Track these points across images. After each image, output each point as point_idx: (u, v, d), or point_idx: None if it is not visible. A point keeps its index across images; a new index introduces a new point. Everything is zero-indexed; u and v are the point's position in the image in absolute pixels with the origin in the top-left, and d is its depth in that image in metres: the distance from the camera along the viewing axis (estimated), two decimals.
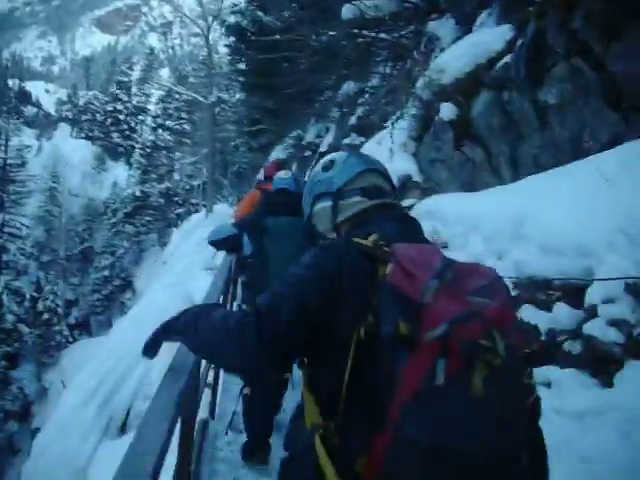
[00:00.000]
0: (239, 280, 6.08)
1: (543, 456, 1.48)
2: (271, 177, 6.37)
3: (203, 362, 3.70)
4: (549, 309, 3.65)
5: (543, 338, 3.62)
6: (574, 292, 3.51)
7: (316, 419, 1.51)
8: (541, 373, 3.48)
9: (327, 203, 1.95)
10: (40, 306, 36.16)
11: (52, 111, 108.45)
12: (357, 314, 1.42)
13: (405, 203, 7.02)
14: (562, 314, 3.53)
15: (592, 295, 3.35)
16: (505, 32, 6.04)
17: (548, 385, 3.40)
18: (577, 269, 3.44)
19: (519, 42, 5.30)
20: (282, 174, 5.03)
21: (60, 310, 37.33)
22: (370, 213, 1.83)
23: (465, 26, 7.93)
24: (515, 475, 1.33)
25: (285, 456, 1.62)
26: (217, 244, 4.68)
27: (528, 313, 3.79)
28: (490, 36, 6.32)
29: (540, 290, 3.78)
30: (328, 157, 2.09)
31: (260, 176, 7.47)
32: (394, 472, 1.30)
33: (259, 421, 4.51)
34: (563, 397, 3.24)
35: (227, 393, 6.64)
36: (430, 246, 1.57)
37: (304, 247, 1.93)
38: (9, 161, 34.32)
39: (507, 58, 5.56)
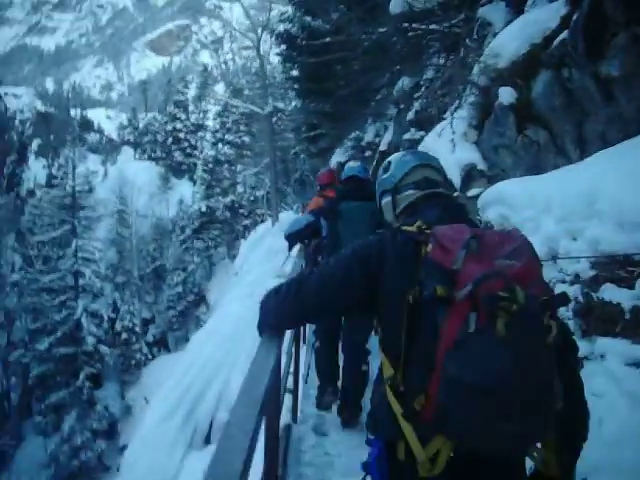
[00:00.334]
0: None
1: (579, 391, 2.05)
2: (327, 184, 7.41)
3: (282, 367, 3.71)
4: (631, 286, 3.53)
5: (627, 316, 3.50)
6: None
7: (389, 372, 1.96)
8: (628, 352, 3.37)
9: (388, 198, 2.45)
10: (118, 326, 37.06)
11: (114, 136, 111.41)
12: (405, 285, 1.87)
13: (471, 192, 6.93)
14: None
15: None
16: (559, 8, 5.88)
17: (637, 365, 3.29)
18: None
19: (575, 16, 5.14)
20: (352, 163, 5.78)
21: (138, 329, 38.19)
22: (419, 203, 2.27)
23: (516, 8, 7.77)
24: (546, 409, 1.69)
25: (370, 409, 2.11)
26: (295, 235, 5.15)
27: (610, 292, 3.68)
28: (544, 14, 6.16)
29: (620, 267, 3.66)
30: (387, 159, 2.57)
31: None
32: (444, 406, 1.68)
33: (325, 367, 5.40)
34: None
35: (307, 398, 6.66)
36: (464, 225, 1.92)
37: (373, 228, 2.56)
38: (77, 188, 35.20)
39: (564, 34, 5.40)
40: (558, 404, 1.74)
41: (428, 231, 1.92)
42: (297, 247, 6.91)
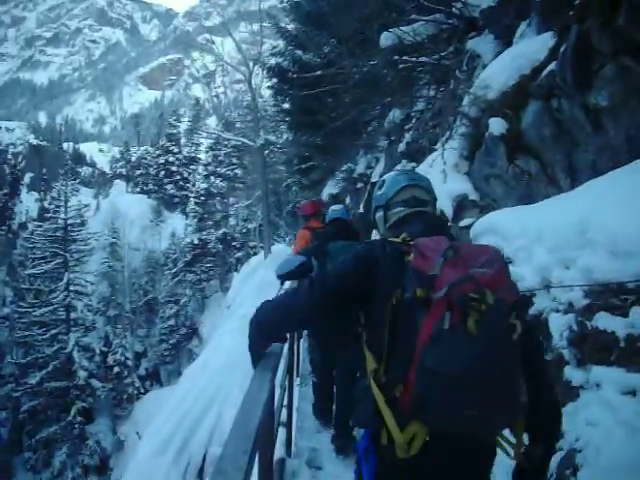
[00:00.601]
0: None
1: (547, 390, 2.28)
2: (312, 214, 8.58)
3: (276, 400, 3.68)
4: (625, 314, 3.52)
5: (622, 345, 3.50)
6: None
7: (372, 366, 2.17)
8: (624, 381, 3.35)
9: (380, 213, 2.75)
10: (110, 360, 36.83)
11: (107, 169, 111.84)
12: (390, 288, 2.12)
13: (463, 223, 6.94)
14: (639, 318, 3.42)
15: None
16: (547, 40, 5.96)
17: (633, 393, 3.28)
18: None
19: (562, 48, 5.20)
20: (335, 207, 6.48)
21: (130, 362, 37.94)
22: (406, 219, 2.57)
23: (505, 39, 7.86)
24: (509, 398, 1.97)
25: (355, 405, 2.29)
26: (287, 275, 4.96)
27: (604, 321, 3.67)
28: (532, 46, 6.24)
29: (614, 296, 3.66)
30: (382, 177, 2.89)
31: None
32: (420, 394, 1.93)
33: (320, 363, 5.60)
34: None
35: (302, 431, 6.60)
36: (444, 237, 2.19)
37: None
38: (70, 221, 35.20)
39: (552, 66, 5.46)
40: (522, 397, 2.08)
41: (411, 242, 2.21)
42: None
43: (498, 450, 2.20)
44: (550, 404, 2.33)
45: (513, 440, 2.16)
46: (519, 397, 2.05)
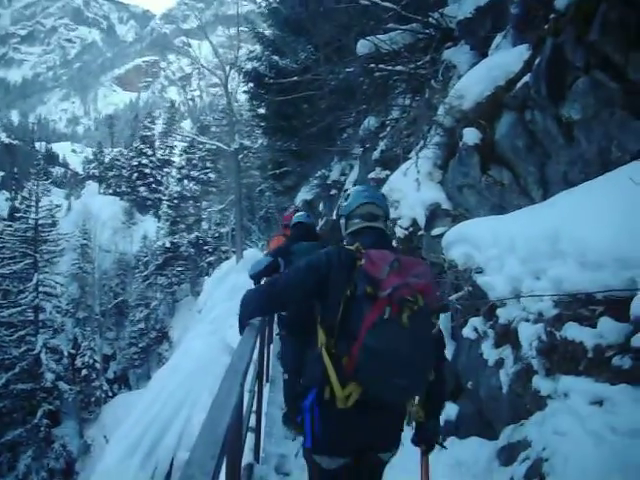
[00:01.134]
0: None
1: (442, 370, 3.15)
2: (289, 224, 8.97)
3: (245, 405, 3.66)
4: (593, 325, 3.56)
5: (590, 355, 3.53)
6: (618, 305, 3.43)
7: (323, 340, 2.92)
8: (592, 391, 3.38)
9: (343, 221, 3.41)
10: (78, 363, 36.42)
11: (79, 170, 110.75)
12: (344, 285, 2.85)
13: (435, 231, 6.97)
14: (608, 329, 3.44)
15: (637, 307, 3.26)
16: (522, 52, 6.02)
17: (600, 403, 3.31)
18: (619, 281, 3.35)
19: (537, 60, 5.26)
20: (299, 213, 7.45)
21: (98, 365, 37.55)
22: (360, 231, 3.23)
23: (481, 51, 7.93)
24: (424, 374, 2.82)
25: (304, 370, 3.16)
26: (259, 274, 6.07)
27: (572, 331, 3.71)
28: (507, 57, 6.30)
29: (582, 306, 3.70)
30: (349, 191, 3.54)
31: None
32: (361, 364, 2.67)
33: (291, 357, 5.79)
34: (617, 414, 3.15)
35: (270, 437, 6.58)
36: (387, 251, 2.95)
37: None
38: (40, 222, 34.82)
39: (526, 78, 5.52)
40: (431, 375, 2.91)
41: (363, 251, 2.91)
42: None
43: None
44: (443, 382, 3.26)
45: (418, 406, 3.14)
46: (429, 376, 2.90)
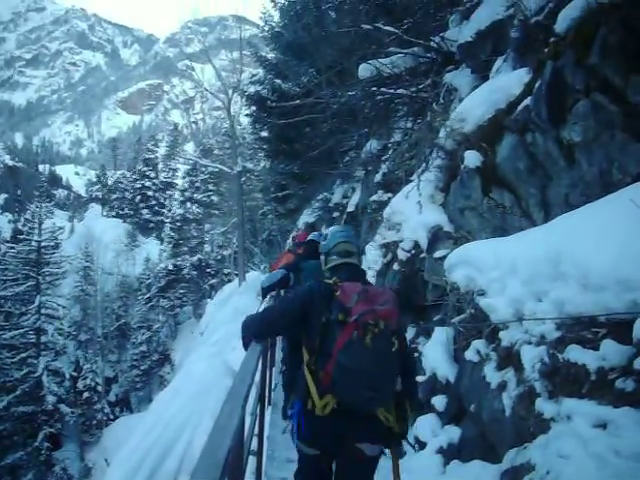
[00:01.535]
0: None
1: (412, 381, 3.78)
2: (302, 242, 10.09)
3: (246, 428, 3.64)
4: (596, 347, 3.55)
5: (593, 377, 3.51)
6: (621, 328, 3.42)
7: (306, 358, 3.47)
8: (595, 413, 3.36)
9: (323, 257, 4.05)
10: (80, 385, 36.29)
11: (82, 192, 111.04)
12: (322, 313, 3.38)
13: (437, 254, 6.97)
14: (610, 351, 3.42)
15: None
16: (522, 75, 6.05)
17: (604, 426, 3.28)
18: (622, 303, 3.34)
19: (537, 84, 5.29)
20: (314, 233, 8.43)
21: (100, 388, 37.43)
22: (338, 267, 3.85)
23: (481, 74, 7.97)
24: (388, 387, 3.37)
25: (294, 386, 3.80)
26: (273, 285, 7.07)
27: (575, 353, 3.69)
28: (508, 81, 6.32)
29: (585, 329, 3.68)
30: (325, 232, 4.51)
31: (290, 241, 11.05)
32: (334, 378, 3.21)
33: (289, 353, 5.99)
34: (620, 437, 3.12)
35: (272, 460, 6.54)
36: (359, 283, 3.55)
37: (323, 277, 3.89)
38: (43, 244, 34.88)
39: (527, 101, 5.54)
40: (398, 386, 3.55)
41: (339, 284, 3.52)
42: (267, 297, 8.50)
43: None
44: (413, 393, 3.89)
45: (389, 415, 3.50)
46: (394, 387, 3.50)
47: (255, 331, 3.88)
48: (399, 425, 3.63)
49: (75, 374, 37.49)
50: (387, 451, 3.75)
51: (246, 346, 3.91)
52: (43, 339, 32.08)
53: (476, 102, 6.75)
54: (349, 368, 3.25)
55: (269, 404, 8.10)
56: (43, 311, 32.74)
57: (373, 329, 3.26)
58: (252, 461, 5.38)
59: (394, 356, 3.39)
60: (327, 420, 3.38)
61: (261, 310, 4.45)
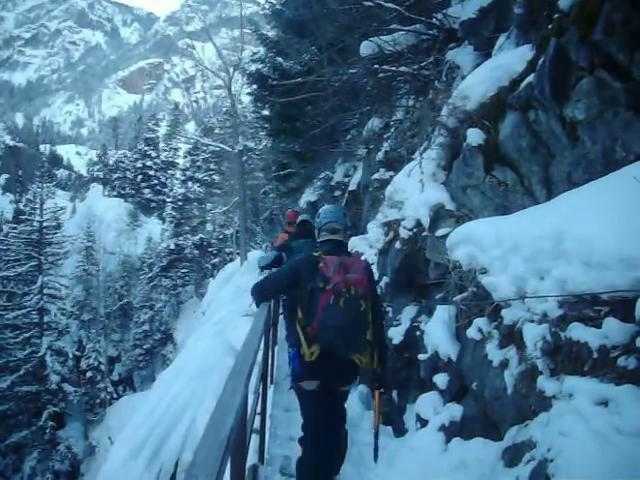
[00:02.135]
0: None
1: (381, 334, 4.90)
2: (292, 221, 11.42)
3: (249, 407, 3.65)
4: (598, 325, 3.54)
5: (595, 355, 3.51)
6: (623, 305, 3.41)
7: (299, 316, 4.55)
8: (597, 391, 3.36)
9: (316, 232, 5.19)
10: (83, 365, 36.47)
11: (84, 172, 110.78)
12: (309, 281, 4.51)
13: (439, 232, 6.96)
14: (613, 329, 3.41)
15: None
16: (525, 52, 5.98)
17: (605, 404, 3.29)
18: (624, 281, 3.32)
19: (540, 61, 5.23)
20: (304, 214, 9.74)
21: (103, 367, 37.61)
22: (325, 241, 4.95)
23: (484, 51, 7.90)
24: (360, 337, 4.56)
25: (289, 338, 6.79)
26: (266, 266, 7.90)
27: (577, 332, 3.69)
28: (510, 58, 6.27)
29: (587, 307, 3.67)
30: (319, 211, 5.31)
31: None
32: (318, 332, 4.40)
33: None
34: (622, 415, 3.13)
35: (275, 438, 6.57)
36: (338, 256, 4.62)
37: None
38: (45, 224, 34.89)
39: (530, 78, 5.48)
40: (369, 337, 4.60)
41: (323, 256, 4.59)
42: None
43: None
44: (383, 343, 4.97)
45: (362, 358, 4.62)
46: (365, 337, 4.60)
47: (261, 293, 5.24)
48: (377, 370, 4.84)
49: (78, 353, 37.68)
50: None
51: (257, 305, 5.40)
52: (46, 319, 32.20)
53: (478, 79, 6.69)
54: (328, 325, 4.39)
55: (271, 383, 8.13)
56: (45, 291, 32.83)
57: (345, 295, 4.39)
58: (255, 439, 5.42)
59: (362, 315, 4.52)
60: (315, 363, 4.49)
61: (263, 278, 5.74)
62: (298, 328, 4.57)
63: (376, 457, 4.89)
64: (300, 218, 9.17)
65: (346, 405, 5.15)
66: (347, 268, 4.53)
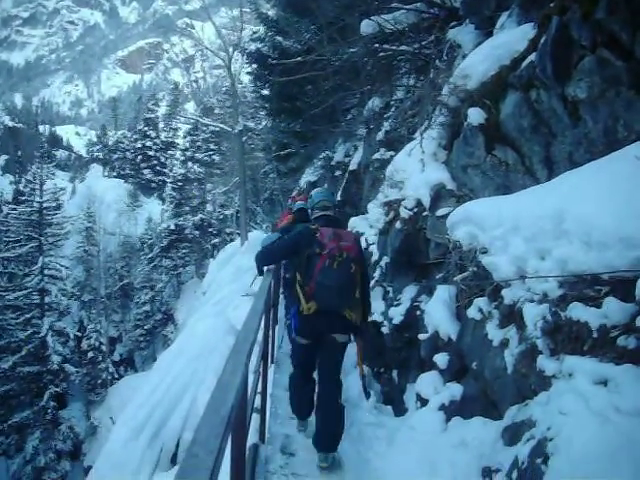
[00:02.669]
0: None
1: (366, 293, 5.91)
2: (293, 201, 13.07)
3: (250, 386, 3.66)
4: (598, 305, 3.54)
5: (595, 335, 3.52)
6: (623, 285, 3.41)
7: (298, 278, 5.54)
8: (596, 371, 3.37)
9: (309, 210, 6.63)
10: (84, 345, 36.58)
11: (83, 153, 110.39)
12: (307, 248, 5.49)
13: (440, 212, 6.95)
14: (613, 309, 3.42)
15: None
16: (527, 31, 5.94)
17: (604, 383, 3.30)
18: (625, 261, 3.32)
19: (542, 39, 5.19)
20: (301, 202, 10.15)
21: (104, 348, 37.71)
22: (319, 217, 6.12)
23: (485, 30, 7.84)
24: (350, 295, 5.47)
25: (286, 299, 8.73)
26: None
27: (577, 311, 3.69)
28: (512, 36, 6.22)
29: (587, 287, 3.68)
30: (312, 193, 6.74)
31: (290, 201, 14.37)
32: (315, 291, 5.35)
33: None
34: (621, 394, 3.14)
35: (276, 418, 6.60)
36: (331, 228, 5.65)
37: None
38: (45, 205, 34.84)
39: (531, 57, 5.44)
40: (358, 295, 5.51)
41: (319, 228, 5.57)
42: None
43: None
44: (367, 300, 5.92)
45: (352, 313, 5.45)
46: (354, 295, 5.44)
47: (264, 259, 6.33)
48: (362, 324, 5.82)
49: (79, 334, 37.79)
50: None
51: (260, 272, 6.41)
52: (47, 300, 32.22)
53: (480, 58, 6.65)
54: (323, 284, 5.33)
55: (272, 362, 8.16)
56: (46, 272, 32.83)
57: (338, 258, 5.36)
58: (255, 418, 5.44)
59: (352, 275, 5.45)
60: (312, 317, 5.45)
61: (266, 244, 7.56)
62: (298, 288, 5.53)
63: (367, 395, 6.20)
64: (297, 205, 10.07)
65: (349, 387, 6.51)
66: (340, 237, 5.54)
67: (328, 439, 5.45)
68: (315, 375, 5.93)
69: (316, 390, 5.81)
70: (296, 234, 5.99)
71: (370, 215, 10.17)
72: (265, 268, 6.48)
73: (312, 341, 5.71)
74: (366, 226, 10.61)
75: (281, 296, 10.38)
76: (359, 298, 5.57)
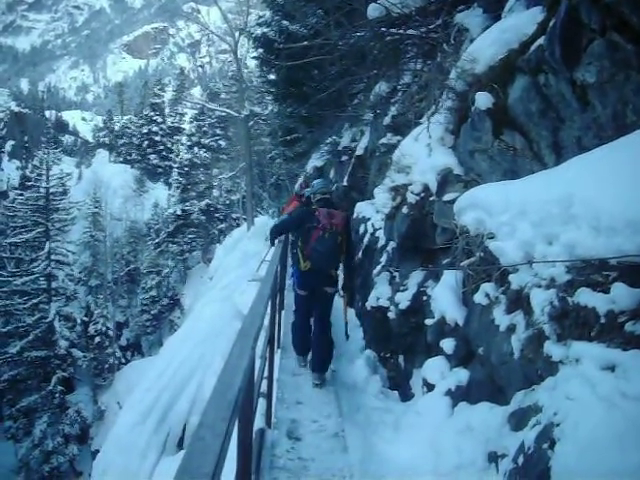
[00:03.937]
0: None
1: (351, 259, 8.05)
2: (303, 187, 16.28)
3: (256, 371, 3.66)
4: (606, 291, 3.52)
5: (602, 321, 3.50)
6: (632, 270, 3.39)
7: (299, 244, 7.66)
8: (603, 356, 3.36)
9: (311, 195, 8.28)
10: (91, 330, 36.73)
11: (89, 138, 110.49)
12: (307, 222, 7.49)
13: (447, 197, 6.93)
14: (621, 294, 3.39)
15: None
16: (536, 14, 5.88)
17: (612, 369, 3.29)
18: (633, 246, 3.29)
19: (551, 23, 5.13)
20: (308, 189, 11.17)
21: (111, 333, 37.89)
22: (319, 200, 7.85)
23: (494, 13, 7.77)
24: (336, 259, 7.57)
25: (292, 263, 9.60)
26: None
27: (585, 297, 3.67)
28: (520, 20, 6.16)
29: (595, 272, 3.65)
30: (313, 182, 8.75)
31: (296, 188, 16.02)
32: (311, 253, 7.38)
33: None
34: (628, 380, 3.13)
35: (282, 402, 6.62)
36: (326, 209, 7.56)
37: None
38: (51, 190, 34.88)
39: (540, 40, 5.39)
40: (342, 259, 7.63)
41: (318, 209, 7.51)
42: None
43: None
44: (352, 265, 8.06)
45: (335, 272, 7.63)
46: (338, 260, 7.57)
47: (277, 231, 8.41)
48: (347, 284, 7.92)
49: (86, 319, 37.96)
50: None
51: (272, 242, 8.65)
52: (54, 285, 32.33)
53: (487, 42, 6.59)
54: (316, 249, 7.24)
55: (278, 347, 8.18)
56: (53, 257, 32.91)
57: (329, 231, 7.24)
58: (262, 403, 5.46)
59: (339, 245, 7.36)
60: (307, 273, 7.47)
61: (278, 221, 10.09)
62: (298, 251, 7.60)
63: (347, 336, 8.24)
64: (307, 193, 11.41)
65: (340, 337, 8.25)
66: (332, 215, 7.41)
67: (320, 363, 7.46)
68: (312, 322, 7.77)
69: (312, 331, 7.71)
70: (300, 212, 8.44)
71: (377, 200, 10.14)
72: (276, 241, 8.61)
73: (308, 292, 7.66)
74: (373, 211, 10.59)
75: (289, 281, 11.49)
76: (342, 261, 7.67)
